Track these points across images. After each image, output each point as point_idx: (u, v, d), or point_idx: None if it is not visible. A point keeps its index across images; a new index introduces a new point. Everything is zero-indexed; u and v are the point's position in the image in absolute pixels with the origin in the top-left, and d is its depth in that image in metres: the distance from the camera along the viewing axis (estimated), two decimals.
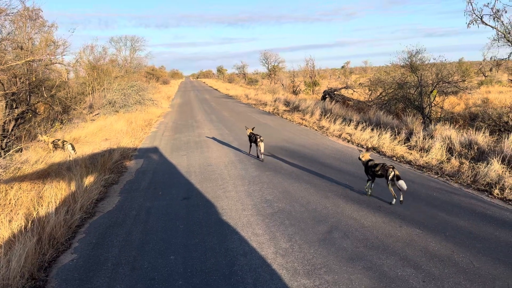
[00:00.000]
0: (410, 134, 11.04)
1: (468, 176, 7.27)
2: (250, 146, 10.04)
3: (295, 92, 33.16)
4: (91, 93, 22.77)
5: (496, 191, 6.40)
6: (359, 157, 6.70)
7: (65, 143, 10.22)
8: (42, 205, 5.97)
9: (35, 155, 9.59)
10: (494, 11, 11.09)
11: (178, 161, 9.89)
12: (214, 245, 4.97)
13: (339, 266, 4.29)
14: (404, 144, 10.30)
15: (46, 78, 15.05)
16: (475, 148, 8.91)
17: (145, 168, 9.38)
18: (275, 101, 24.63)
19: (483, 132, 9.57)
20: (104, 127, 15.24)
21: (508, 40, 11.40)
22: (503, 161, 7.56)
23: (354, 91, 23.08)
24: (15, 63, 11.01)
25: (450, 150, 9.18)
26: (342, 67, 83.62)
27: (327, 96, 22.43)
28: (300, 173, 8.19)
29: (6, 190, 6.77)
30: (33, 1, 38.58)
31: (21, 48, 12.38)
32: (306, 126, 15.31)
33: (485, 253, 4.42)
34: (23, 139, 11.94)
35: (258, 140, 9.28)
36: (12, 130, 12.09)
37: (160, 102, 26.28)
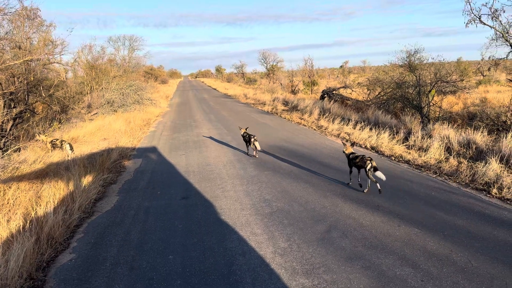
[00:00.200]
0: (408, 133, 11.06)
1: (466, 175, 7.29)
2: (247, 145, 10.09)
3: (293, 92, 33.17)
4: (90, 93, 22.74)
5: (494, 190, 6.42)
6: (343, 150, 7.24)
7: (63, 142, 10.20)
8: (40, 205, 5.95)
9: (33, 154, 9.56)
10: (492, 10, 11.11)
11: (176, 161, 9.88)
12: (213, 245, 4.96)
13: (338, 265, 4.29)
14: (403, 143, 10.31)
15: (44, 78, 15.04)
16: (473, 147, 8.93)
17: (144, 167, 9.37)
18: (273, 100, 24.62)
19: (481, 132, 9.59)
20: (103, 126, 15.22)
21: (506, 40, 11.42)
22: (501, 160, 7.58)
23: (352, 90, 23.11)
24: (13, 63, 10.98)
25: (448, 150, 9.20)
26: (341, 66, 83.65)
27: (325, 95, 22.44)
28: (299, 172, 8.20)
29: (4, 190, 6.75)
30: (31, 0, 38.49)
31: (19, 48, 12.35)
32: (305, 125, 15.31)
33: (483, 252, 4.43)
34: (21, 138, 11.91)
35: (252, 139, 9.45)
36: (10, 129, 12.06)
37: (158, 101, 26.23)
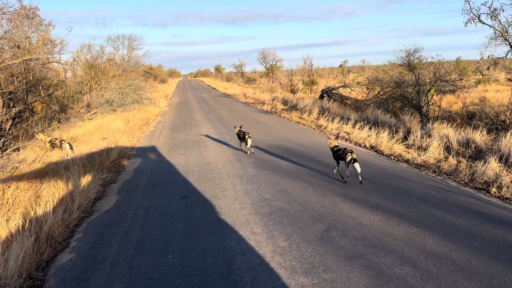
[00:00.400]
0: (408, 132, 11.06)
1: (465, 174, 7.29)
2: (240, 142, 10.57)
3: (293, 91, 33.16)
4: (89, 92, 22.71)
5: (494, 189, 6.42)
6: (328, 145, 7.76)
7: (63, 142, 10.19)
8: (39, 205, 5.95)
9: (33, 154, 9.56)
10: (491, 9, 11.13)
11: (176, 160, 9.88)
12: (212, 244, 4.96)
13: (337, 264, 4.30)
14: (402, 142, 10.32)
15: (43, 77, 15.02)
16: (473, 146, 8.93)
17: (143, 167, 9.37)
18: (273, 100, 24.62)
19: (481, 131, 9.59)
20: (102, 126, 15.21)
21: (506, 39, 11.43)
22: (500, 159, 7.58)
23: (352, 90, 23.12)
24: (12, 62, 10.97)
25: (447, 149, 9.20)
26: (340, 66, 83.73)
27: (325, 95, 22.45)
28: (298, 171, 8.20)
29: (4, 190, 6.75)
30: None
31: (18, 47, 12.33)
32: (304, 125, 15.32)
33: (483, 251, 4.44)
34: (20, 138, 11.90)
35: (246, 136, 9.87)
36: (9, 129, 12.04)
37: (158, 101, 26.21)
